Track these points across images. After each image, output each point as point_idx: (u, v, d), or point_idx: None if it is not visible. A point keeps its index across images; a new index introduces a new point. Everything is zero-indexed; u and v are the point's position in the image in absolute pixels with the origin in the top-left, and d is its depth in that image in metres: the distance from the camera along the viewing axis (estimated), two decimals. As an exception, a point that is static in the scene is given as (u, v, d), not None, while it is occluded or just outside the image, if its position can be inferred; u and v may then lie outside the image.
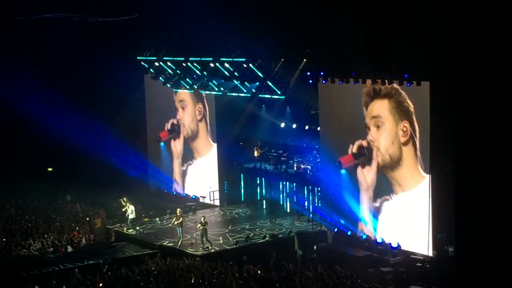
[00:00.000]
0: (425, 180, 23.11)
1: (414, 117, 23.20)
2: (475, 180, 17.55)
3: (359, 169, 25.27)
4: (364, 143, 24.85)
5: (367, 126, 24.68)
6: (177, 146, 34.21)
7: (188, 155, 33.79)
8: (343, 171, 25.71)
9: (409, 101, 23.27)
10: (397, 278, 21.72)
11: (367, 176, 25.02)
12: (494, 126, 17.15)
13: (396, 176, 24.15)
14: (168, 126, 34.27)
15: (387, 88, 23.82)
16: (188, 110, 33.40)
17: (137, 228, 28.56)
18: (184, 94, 33.31)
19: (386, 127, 24.15)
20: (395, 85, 23.54)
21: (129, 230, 28.29)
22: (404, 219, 23.96)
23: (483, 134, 17.30)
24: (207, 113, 32.50)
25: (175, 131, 34.07)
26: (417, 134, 23.24)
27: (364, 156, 24.90)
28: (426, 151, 23.01)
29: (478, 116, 17.37)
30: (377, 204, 24.80)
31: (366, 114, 24.65)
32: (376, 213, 24.88)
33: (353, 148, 25.15)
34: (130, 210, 28.42)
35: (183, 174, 34.02)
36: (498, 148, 17.17)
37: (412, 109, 23.21)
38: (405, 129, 23.51)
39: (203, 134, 32.96)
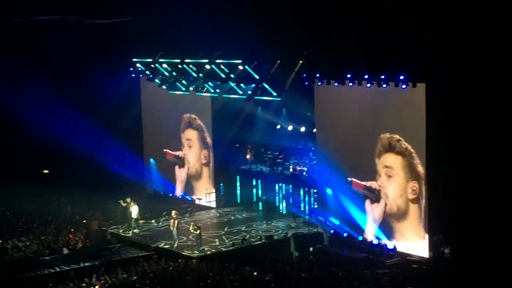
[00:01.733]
0: (425, 241, 23.12)
1: (423, 181, 23.01)
2: (471, 182, 17.60)
3: (367, 202, 25.18)
4: (376, 185, 24.76)
5: (378, 173, 24.56)
6: (181, 173, 33.96)
7: (191, 191, 33.52)
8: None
9: (421, 167, 23.03)
10: (393, 280, 21.71)
11: (375, 211, 24.93)
12: (490, 128, 17.21)
13: (400, 228, 24.11)
14: (176, 153, 34.00)
15: (401, 147, 23.69)
16: (194, 150, 33.18)
17: (134, 230, 28.56)
18: (192, 133, 33.10)
19: (396, 179, 24.05)
20: (409, 147, 23.44)
21: (134, 230, 28.21)
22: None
23: (479, 136, 17.35)
24: (211, 160, 32.36)
25: (180, 160, 33.99)
26: (423, 199, 23.10)
27: (373, 194, 24.85)
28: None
29: (474, 118, 17.42)
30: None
31: (377, 162, 24.49)
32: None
33: (367, 183, 25.01)
34: (133, 210, 28.39)
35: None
36: (493, 150, 17.22)
37: (423, 175, 23.00)
38: (414, 188, 23.42)
39: (206, 178, 32.70)
